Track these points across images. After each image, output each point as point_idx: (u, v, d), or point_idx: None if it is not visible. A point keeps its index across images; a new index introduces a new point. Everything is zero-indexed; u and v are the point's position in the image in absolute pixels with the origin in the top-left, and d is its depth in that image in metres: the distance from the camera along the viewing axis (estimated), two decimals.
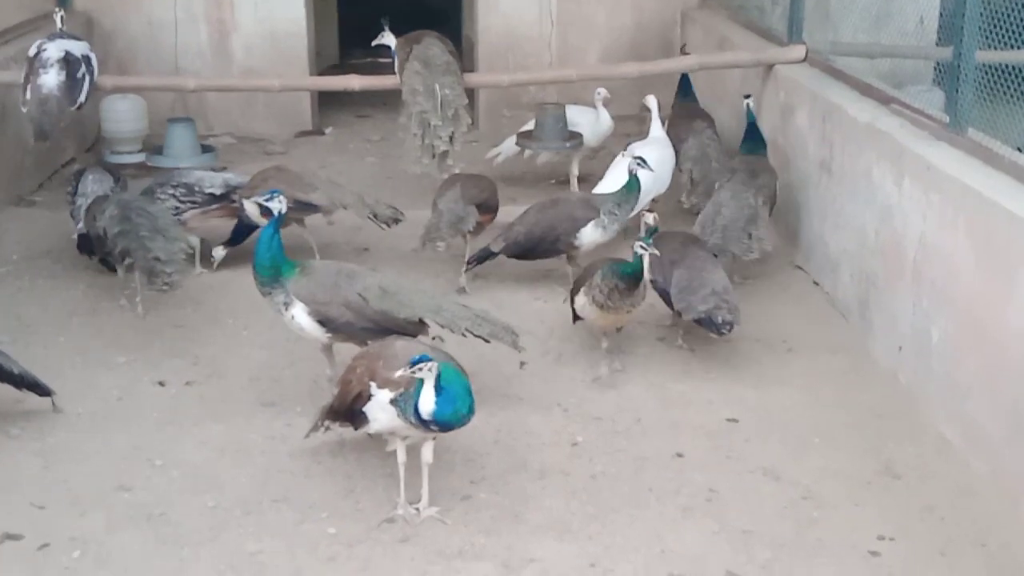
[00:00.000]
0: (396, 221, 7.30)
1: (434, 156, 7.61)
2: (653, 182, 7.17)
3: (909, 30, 7.05)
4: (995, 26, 5.47)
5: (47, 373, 5.59)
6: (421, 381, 4.35)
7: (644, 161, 6.58)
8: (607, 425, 5.43)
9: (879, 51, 7.40)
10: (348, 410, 4.70)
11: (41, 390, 5.45)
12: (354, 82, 8.26)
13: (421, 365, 4.30)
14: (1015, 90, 5.33)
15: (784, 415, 5.54)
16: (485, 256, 6.91)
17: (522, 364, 5.70)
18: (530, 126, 8.66)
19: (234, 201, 7.18)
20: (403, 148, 7.87)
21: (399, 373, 4.35)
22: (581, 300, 5.69)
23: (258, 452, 5.21)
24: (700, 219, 6.92)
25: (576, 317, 5.94)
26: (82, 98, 7.46)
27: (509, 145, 8.87)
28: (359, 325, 5.32)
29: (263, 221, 6.22)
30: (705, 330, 5.92)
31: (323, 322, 5.30)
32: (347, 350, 5.41)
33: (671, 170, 7.73)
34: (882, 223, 6.02)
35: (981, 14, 5.51)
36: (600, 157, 8.85)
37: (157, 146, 9.33)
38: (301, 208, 7.02)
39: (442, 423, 4.44)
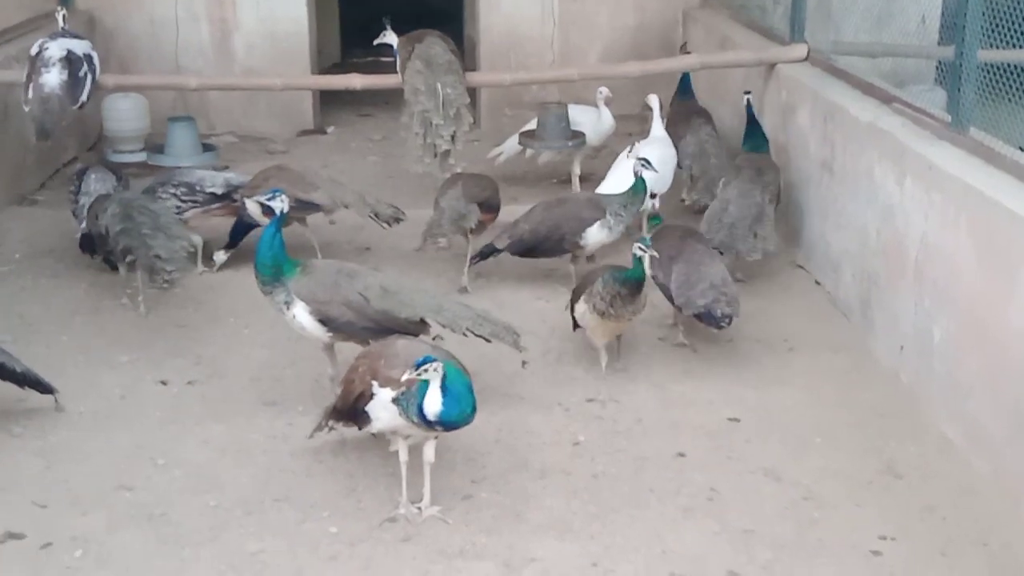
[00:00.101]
0: (397, 220, 7.30)
1: (436, 155, 7.61)
2: (655, 181, 7.16)
3: (911, 29, 7.05)
4: (997, 25, 5.47)
5: (49, 372, 5.60)
6: (426, 382, 4.35)
7: (648, 162, 6.58)
8: (608, 425, 5.44)
9: (881, 50, 7.40)
10: (351, 409, 4.70)
11: (43, 388, 5.46)
12: (356, 81, 8.26)
13: (427, 366, 4.30)
14: (1017, 89, 5.33)
15: (785, 415, 5.54)
16: (489, 252, 6.91)
17: (524, 363, 5.70)
18: (532, 125, 8.66)
19: (235, 200, 7.18)
20: (405, 147, 7.88)
21: (406, 376, 4.35)
22: (581, 308, 5.66)
23: (260, 451, 5.21)
24: (707, 216, 6.96)
25: (576, 324, 5.92)
26: (84, 97, 7.47)
27: (511, 144, 8.87)
28: (360, 324, 5.32)
29: (265, 220, 6.22)
30: (705, 324, 5.93)
31: (324, 321, 5.30)
32: (349, 349, 5.41)
33: (673, 169, 7.73)
34: (884, 222, 6.02)
35: (983, 13, 5.50)
36: (602, 156, 8.84)
37: (158, 145, 9.33)
38: (303, 207, 7.02)
39: (447, 423, 4.45)
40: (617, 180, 7.32)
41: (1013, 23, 5.35)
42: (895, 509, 4.76)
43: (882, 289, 6.04)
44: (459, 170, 7.55)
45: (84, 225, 6.91)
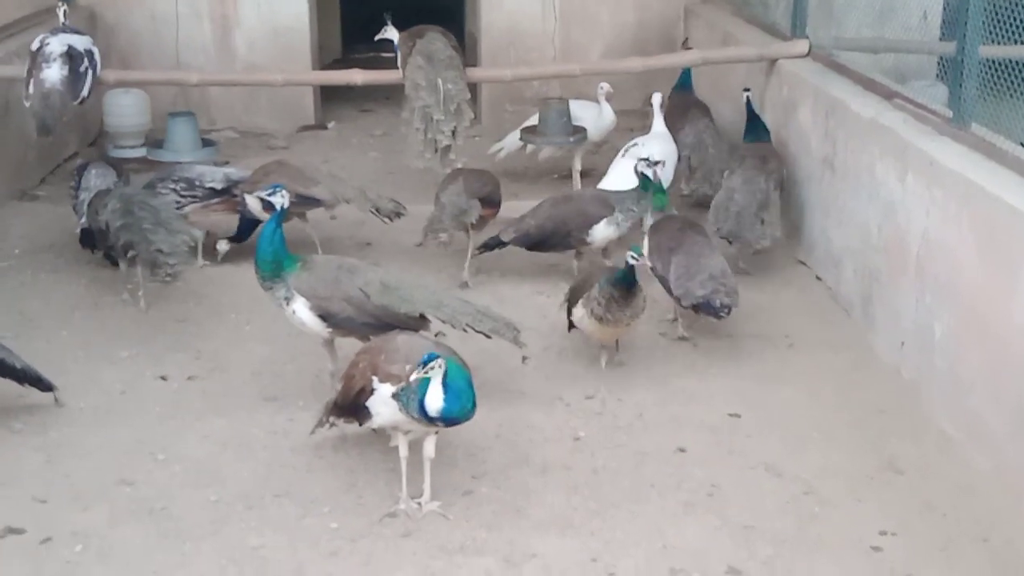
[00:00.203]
0: (398, 215, 7.30)
1: (436, 150, 7.61)
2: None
3: (912, 25, 7.04)
4: (998, 21, 5.46)
5: (49, 367, 5.60)
6: (427, 378, 4.35)
7: (651, 161, 6.59)
8: (608, 420, 5.43)
9: (882, 46, 7.39)
10: (352, 405, 4.70)
11: (43, 385, 5.46)
12: (356, 77, 8.25)
13: (432, 364, 4.30)
14: (1018, 85, 5.32)
15: (786, 411, 5.53)
16: (495, 244, 6.92)
17: (524, 359, 5.69)
18: (533, 121, 8.66)
19: (235, 195, 7.19)
20: (405, 143, 7.87)
21: (413, 376, 4.34)
22: (579, 312, 5.63)
23: (260, 447, 5.21)
24: (713, 206, 7.02)
25: (571, 325, 5.91)
26: (85, 92, 7.46)
27: (512, 140, 8.87)
28: (360, 320, 5.32)
29: (265, 215, 6.21)
30: (704, 315, 5.93)
31: (324, 317, 5.30)
32: (349, 345, 5.41)
33: (674, 164, 7.73)
34: (885, 219, 6.01)
35: (984, 9, 5.49)
36: (603, 152, 8.84)
37: (158, 140, 9.33)
38: (303, 202, 7.02)
39: (449, 419, 4.45)
40: (618, 176, 7.32)
41: (1014, 18, 5.33)
42: (896, 505, 4.76)
43: (883, 285, 6.04)
44: (459, 165, 7.55)
45: (84, 220, 6.91)
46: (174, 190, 7.17)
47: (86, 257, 7.14)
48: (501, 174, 7.75)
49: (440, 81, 7.62)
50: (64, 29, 7.61)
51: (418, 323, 5.36)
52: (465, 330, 5.41)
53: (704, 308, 5.89)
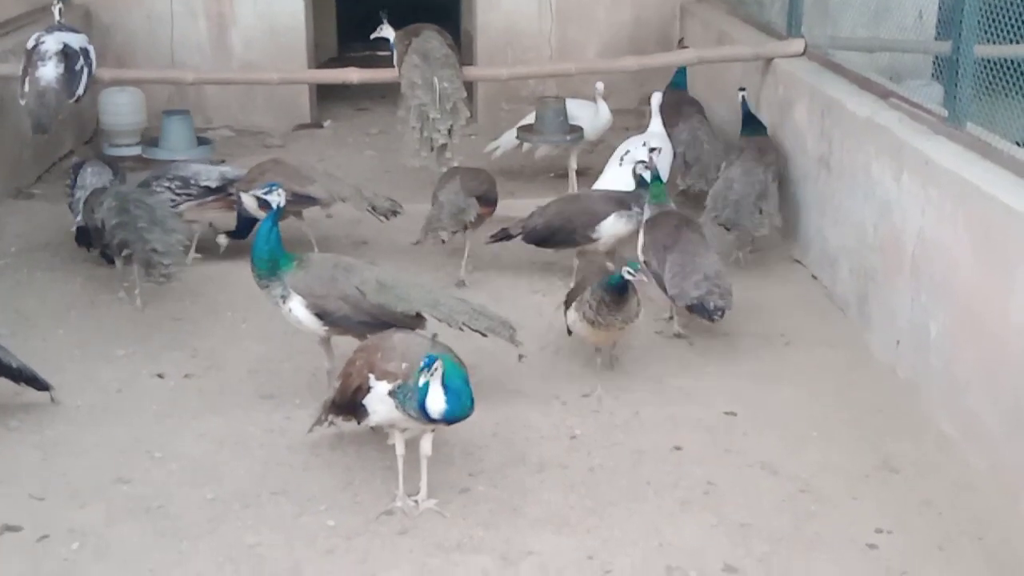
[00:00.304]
0: (394, 214, 7.30)
1: (433, 149, 7.61)
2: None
3: (908, 24, 7.05)
4: (993, 20, 5.47)
5: (46, 366, 5.60)
6: (427, 381, 4.35)
7: (649, 148, 6.60)
8: (605, 418, 5.44)
9: (878, 45, 7.41)
10: (349, 403, 4.71)
11: (39, 385, 5.45)
12: (353, 75, 8.25)
13: (434, 366, 4.31)
14: (1013, 84, 5.33)
15: (782, 409, 5.54)
16: (504, 237, 6.94)
17: (520, 357, 5.70)
18: (530, 120, 8.67)
19: (231, 194, 7.19)
20: (402, 141, 7.87)
21: (422, 381, 4.35)
22: (572, 316, 5.61)
23: (257, 445, 5.21)
24: (712, 194, 7.09)
25: (570, 330, 5.90)
26: (80, 91, 7.45)
27: (508, 139, 8.88)
28: (356, 319, 5.32)
29: (261, 214, 6.22)
30: (697, 315, 5.95)
31: (320, 315, 5.30)
32: (346, 343, 5.41)
33: (670, 162, 7.73)
34: (881, 218, 6.02)
35: (979, 8, 5.50)
36: (598, 151, 8.85)
37: (153, 138, 9.32)
38: (299, 201, 7.02)
39: (451, 420, 4.46)
40: (614, 176, 7.34)
41: (1009, 18, 5.35)
42: (892, 503, 4.77)
43: (879, 284, 6.05)
44: (456, 164, 7.56)
45: (80, 218, 6.91)
46: (169, 188, 7.17)
47: (82, 255, 7.14)
48: (497, 173, 7.75)
49: (436, 79, 7.62)
50: (60, 27, 7.61)
51: (414, 322, 5.36)
52: (461, 329, 5.41)
53: (698, 310, 5.91)
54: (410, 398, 4.44)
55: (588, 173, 8.22)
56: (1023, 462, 4.62)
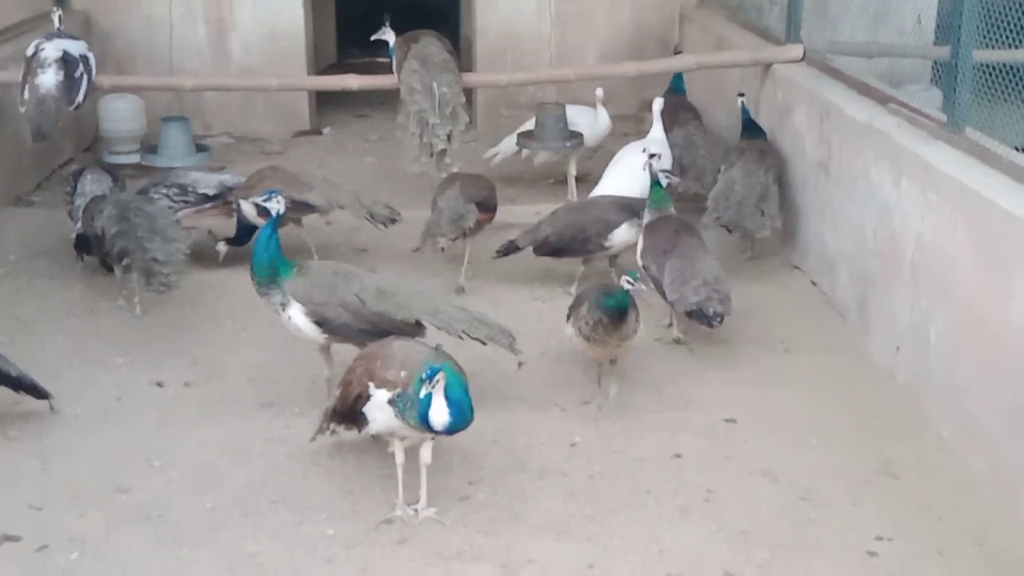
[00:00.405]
0: (393, 221, 7.30)
1: (432, 154, 7.61)
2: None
3: (907, 29, 7.05)
4: (992, 25, 5.47)
5: (45, 373, 5.60)
6: (430, 393, 4.35)
7: (649, 153, 6.62)
8: (605, 425, 5.43)
9: (877, 50, 7.41)
10: (350, 411, 4.70)
11: (39, 393, 5.45)
12: (352, 82, 8.25)
13: (436, 378, 4.31)
14: (1012, 89, 5.33)
15: (782, 415, 5.54)
16: (511, 250, 6.92)
17: (520, 364, 5.69)
18: (530, 126, 8.67)
19: (229, 201, 7.20)
20: (401, 147, 7.87)
21: (423, 392, 4.35)
22: (569, 331, 5.53)
23: (256, 453, 5.21)
24: (713, 195, 7.12)
25: None
26: (80, 98, 7.45)
27: (507, 145, 8.88)
28: (356, 326, 5.32)
29: (260, 221, 6.23)
30: (696, 321, 5.95)
31: (320, 323, 5.30)
32: (346, 351, 5.41)
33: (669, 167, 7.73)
34: (880, 223, 6.02)
35: (978, 13, 5.50)
36: (598, 157, 8.84)
37: (152, 145, 9.33)
38: (298, 208, 7.02)
39: (452, 431, 4.46)
40: (613, 181, 7.34)
41: (1008, 23, 5.35)
42: (892, 509, 4.77)
43: (878, 289, 6.05)
44: (455, 169, 7.56)
45: (79, 226, 6.90)
46: (166, 195, 7.18)
47: (81, 262, 7.12)
48: (496, 179, 7.74)
49: (435, 85, 7.62)
50: (59, 34, 7.61)
51: (414, 329, 5.36)
52: (461, 337, 5.41)
53: (697, 316, 5.91)
54: (410, 407, 4.43)
55: (587, 179, 8.22)
56: (1023, 466, 4.61)
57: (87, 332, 6.39)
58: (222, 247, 7.21)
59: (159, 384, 5.84)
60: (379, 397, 4.52)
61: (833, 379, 5.87)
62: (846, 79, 7.07)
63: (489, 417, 5.29)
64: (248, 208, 6.84)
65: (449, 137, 7.60)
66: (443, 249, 6.97)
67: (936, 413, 5.33)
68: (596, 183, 7.57)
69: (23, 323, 6.48)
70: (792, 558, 4.47)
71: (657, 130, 7.86)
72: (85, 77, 7.49)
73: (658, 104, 7.93)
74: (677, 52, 9.73)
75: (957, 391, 5.15)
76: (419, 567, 4.42)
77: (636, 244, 6.55)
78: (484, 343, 5.47)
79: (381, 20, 8.19)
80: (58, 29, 7.68)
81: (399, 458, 4.68)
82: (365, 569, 4.41)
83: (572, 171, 8.58)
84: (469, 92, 8.69)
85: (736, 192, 7.01)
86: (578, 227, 6.76)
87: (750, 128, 7.68)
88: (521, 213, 7.87)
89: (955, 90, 5.61)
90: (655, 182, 6.48)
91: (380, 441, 4.89)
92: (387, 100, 9.46)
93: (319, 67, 11.40)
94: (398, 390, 4.48)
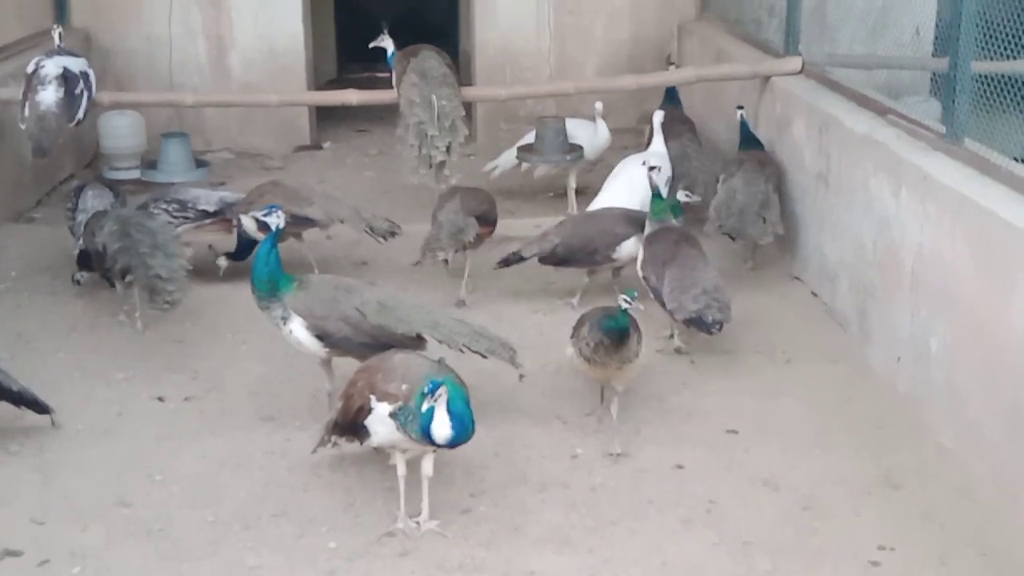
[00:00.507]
0: (393, 234, 7.32)
1: (431, 166, 7.62)
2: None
3: (905, 41, 7.06)
4: (991, 37, 5.49)
5: (46, 389, 5.60)
6: (432, 407, 4.35)
7: (649, 166, 6.63)
8: (606, 437, 5.42)
9: (875, 62, 7.42)
10: (351, 424, 4.71)
11: (40, 408, 5.45)
12: (352, 97, 8.27)
13: (438, 392, 4.31)
14: (1011, 100, 5.34)
15: (783, 425, 5.54)
16: (515, 260, 6.91)
17: (521, 377, 5.70)
18: (530, 139, 8.69)
19: (228, 217, 7.21)
20: (400, 159, 7.88)
21: (425, 406, 4.35)
22: (570, 351, 5.46)
23: (257, 466, 5.20)
24: (715, 205, 7.18)
25: None
26: (80, 114, 7.47)
27: (507, 158, 8.90)
28: (357, 340, 5.32)
29: (260, 236, 6.23)
30: (696, 329, 5.95)
31: (321, 336, 5.30)
32: (346, 364, 5.41)
33: (668, 180, 7.74)
34: (880, 234, 6.03)
35: (977, 24, 5.52)
36: (597, 170, 8.85)
37: (151, 161, 9.35)
38: (298, 222, 7.04)
39: (455, 444, 4.47)
40: (612, 194, 7.35)
41: (1007, 34, 5.36)
42: (894, 518, 4.76)
43: (879, 300, 6.05)
44: (454, 182, 7.57)
45: (81, 242, 6.91)
46: (166, 211, 7.19)
47: (77, 285, 7.09)
48: (496, 192, 7.76)
49: (435, 98, 7.64)
50: (59, 51, 7.64)
51: (415, 343, 5.36)
52: (462, 350, 5.41)
53: (696, 323, 5.94)
54: (412, 420, 4.44)
55: (587, 192, 8.23)
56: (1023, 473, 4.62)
57: (88, 347, 6.40)
58: (223, 262, 7.22)
59: (160, 399, 5.84)
60: (380, 410, 4.52)
61: (834, 389, 5.87)
62: (845, 91, 7.08)
63: (490, 430, 5.29)
64: (248, 223, 6.85)
65: (448, 149, 7.61)
66: (446, 262, 6.98)
67: (937, 422, 5.33)
68: (596, 196, 7.58)
69: (24, 339, 6.48)
70: (794, 568, 4.47)
71: (658, 143, 7.88)
72: (85, 94, 7.51)
73: (658, 117, 7.95)
74: (671, 63, 9.76)
75: (958, 401, 5.15)
76: None
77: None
78: (485, 356, 5.47)
79: (383, 23, 8.21)
80: (58, 46, 7.71)
81: (401, 471, 4.68)
82: None
83: (572, 184, 8.59)
84: (468, 106, 8.72)
85: (737, 201, 7.07)
86: (586, 238, 6.77)
87: (748, 140, 7.71)
88: (521, 226, 7.88)
89: (954, 101, 5.62)
90: (656, 194, 6.50)
91: (382, 453, 4.88)
92: (387, 115, 9.48)
93: (319, 83, 11.43)
94: (399, 403, 4.48)
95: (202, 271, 7.18)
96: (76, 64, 7.56)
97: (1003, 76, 5.45)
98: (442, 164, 7.62)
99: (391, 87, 8.02)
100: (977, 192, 5.14)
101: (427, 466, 4.67)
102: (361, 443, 4.79)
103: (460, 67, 9.85)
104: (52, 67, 7.43)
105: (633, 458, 5.26)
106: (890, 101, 6.64)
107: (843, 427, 5.49)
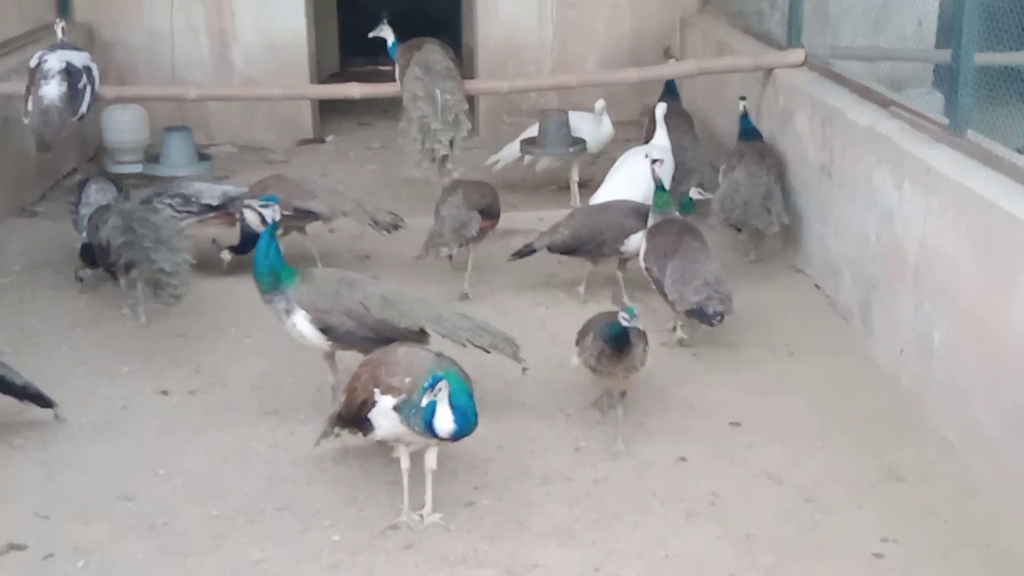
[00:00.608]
0: (396, 228, 7.32)
1: (434, 160, 7.62)
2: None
3: (908, 33, 7.06)
4: (994, 28, 5.47)
5: (50, 383, 5.60)
6: (433, 401, 4.36)
7: (652, 159, 6.65)
8: (609, 430, 5.42)
9: (878, 54, 7.42)
10: (355, 417, 4.71)
11: (43, 402, 5.46)
12: (354, 90, 8.27)
13: (438, 387, 4.32)
14: (1014, 92, 5.34)
15: (786, 419, 5.54)
16: (527, 252, 6.94)
17: (524, 370, 5.71)
18: (532, 132, 8.69)
19: (231, 212, 7.22)
20: (403, 153, 7.88)
21: (426, 401, 4.36)
22: (575, 361, 5.41)
23: (261, 460, 5.21)
24: (718, 197, 7.24)
25: None
26: (83, 109, 7.48)
27: (509, 152, 8.90)
28: (360, 334, 5.32)
29: (263, 229, 6.22)
30: (697, 320, 5.97)
31: (324, 330, 5.30)
32: (350, 358, 5.42)
33: (670, 174, 7.75)
34: (883, 226, 6.02)
35: (980, 16, 5.51)
36: (599, 163, 8.86)
37: (154, 155, 9.35)
38: (301, 216, 7.05)
39: (458, 437, 4.48)
40: (615, 186, 7.35)
41: (1009, 25, 5.35)
42: (896, 512, 4.77)
43: (882, 293, 6.05)
44: (457, 175, 7.57)
45: (85, 235, 6.92)
46: (170, 205, 7.19)
47: (80, 283, 7.09)
48: (498, 185, 7.74)
49: (438, 92, 7.64)
50: (62, 46, 7.64)
51: (418, 337, 5.36)
52: (465, 345, 5.41)
53: (697, 314, 5.96)
54: (415, 414, 4.44)
55: (589, 185, 8.23)
56: None
57: (92, 342, 6.41)
58: (226, 255, 7.23)
59: (164, 393, 5.85)
60: (384, 403, 4.53)
61: (837, 382, 5.87)
62: (847, 83, 7.07)
63: (493, 423, 5.29)
64: (251, 216, 6.85)
65: (451, 143, 7.61)
66: (450, 257, 6.99)
67: (940, 416, 5.33)
68: (598, 189, 7.58)
69: (28, 333, 6.49)
70: (797, 561, 4.47)
71: (661, 136, 7.88)
72: (88, 88, 7.52)
73: (661, 109, 7.95)
74: (669, 55, 9.74)
75: (961, 394, 5.15)
76: (424, 573, 4.42)
77: None
78: (488, 351, 5.47)
79: (382, 13, 8.20)
80: (61, 40, 7.71)
81: (404, 464, 4.69)
82: (370, 575, 4.41)
83: (575, 177, 8.59)
84: (471, 99, 8.72)
85: (741, 193, 7.11)
86: (595, 229, 6.78)
87: (747, 129, 7.73)
88: (524, 219, 7.89)
89: (957, 93, 5.61)
90: (659, 187, 6.52)
91: (385, 447, 4.89)
92: (389, 108, 9.49)
93: (321, 76, 11.43)
94: (403, 396, 4.49)
95: (205, 265, 7.20)
96: (79, 58, 7.56)
97: (1006, 68, 5.44)
98: (445, 158, 7.62)
99: (394, 80, 8.02)
100: (980, 184, 5.13)
101: (431, 459, 4.68)
102: (365, 436, 4.80)
103: (463, 61, 9.84)
104: (55, 61, 7.43)
105: (636, 451, 5.26)
106: (893, 93, 6.62)
107: (846, 421, 5.49)
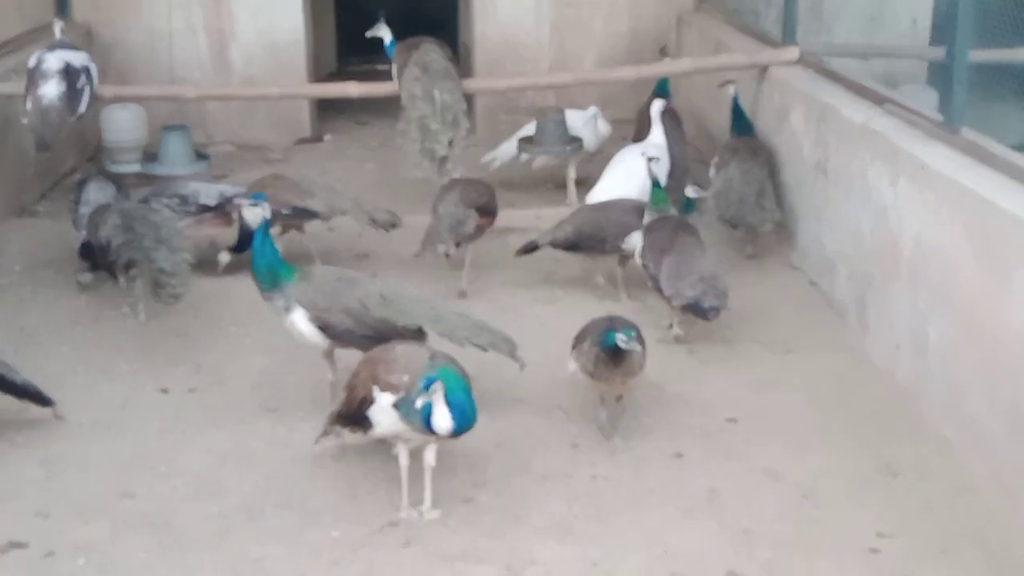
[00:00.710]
0: (394, 226, 7.33)
1: (433, 160, 7.64)
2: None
3: (902, 30, 7.10)
4: (988, 25, 5.50)
5: (50, 382, 5.62)
6: (430, 402, 4.39)
7: (648, 156, 6.68)
8: (607, 428, 5.45)
9: (873, 52, 7.45)
10: (354, 415, 4.74)
11: (43, 401, 5.47)
12: (352, 89, 8.29)
13: (433, 388, 4.34)
14: (1008, 89, 5.36)
15: (783, 415, 5.56)
16: (531, 248, 6.98)
17: (522, 367, 5.73)
18: (529, 130, 8.71)
19: (228, 211, 7.23)
20: (402, 153, 7.90)
21: (419, 403, 4.39)
22: (572, 366, 5.40)
23: (261, 458, 5.23)
24: (713, 194, 7.30)
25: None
26: (82, 108, 7.49)
27: (506, 150, 8.92)
28: (359, 332, 5.34)
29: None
30: (693, 315, 6.02)
31: (323, 328, 5.32)
32: (349, 356, 5.44)
33: (666, 171, 7.76)
34: (878, 223, 6.05)
35: (974, 13, 5.53)
36: (596, 161, 8.87)
37: (152, 154, 9.37)
38: (299, 215, 7.07)
39: (457, 434, 4.51)
40: (611, 183, 7.38)
41: (1003, 22, 5.38)
42: (893, 508, 4.79)
43: (877, 290, 6.07)
44: (456, 175, 7.59)
45: (84, 234, 6.93)
46: (168, 206, 7.20)
47: (80, 285, 7.11)
48: (495, 183, 7.76)
49: (437, 92, 7.66)
50: (61, 45, 7.66)
51: (416, 336, 5.38)
52: (463, 344, 5.44)
53: (693, 309, 6.00)
54: (414, 411, 4.47)
55: (586, 183, 8.24)
56: (1023, 465, 4.64)
57: (92, 341, 6.42)
58: (224, 257, 7.21)
59: (164, 391, 5.87)
60: (383, 400, 4.56)
61: (833, 379, 5.90)
62: (842, 81, 7.10)
63: (492, 420, 5.31)
64: (248, 214, 6.84)
65: (451, 143, 7.64)
66: (448, 255, 7.00)
67: (936, 413, 5.35)
68: (592, 187, 7.60)
69: (28, 333, 6.51)
70: (795, 556, 4.49)
71: (657, 133, 7.90)
72: (87, 88, 7.53)
73: (657, 107, 7.97)
74: (665, 54, 9.76)
75: (957, 391, 5.17)
76: (423, 569, 4.44)
77: None
78: (486, 350, 5.49)
79: (379, 13, 8.22)
80: (60, 40, 7.72)
81: (403, 461, 4.71)
82: (370, 571, 4.44)
83: (572, 175, 8.61)
84: (469, 98, 8.74)
85: (735, 190, 7.16)
86: (597, 226, 6.81)
87: (739, 121, 7.76)
88: (521, 217, 7.91)
89: (951, 90, 5.63)
90: (655, 184, 6.55)
91: (384, 444, 4.92)
92: (387, 107, 9.48)
93: (319, 75, 11.44)
94: (402, 394, 4.51)
95: (204, 264, 7.21)
96: (78, 58, 7.58)
97: (1001, 64, 5.46)
98: (444, 158, 7.64)
99: (391, 79, 8.03)
100: (975, 181, 5.14)
101: (430, 456, 4.70)
102: (364, 433, 4.81)
103: (460, 60, 9.85)
104: (54, 61, 7.44)
105: (634, 448, 5.29)
106: (887, 90, 6.65)
107: (842, 417, 5.51)
